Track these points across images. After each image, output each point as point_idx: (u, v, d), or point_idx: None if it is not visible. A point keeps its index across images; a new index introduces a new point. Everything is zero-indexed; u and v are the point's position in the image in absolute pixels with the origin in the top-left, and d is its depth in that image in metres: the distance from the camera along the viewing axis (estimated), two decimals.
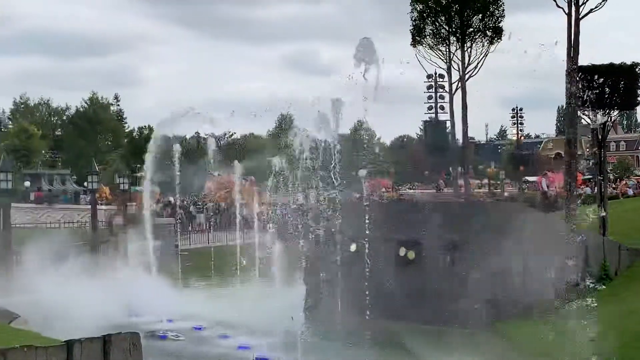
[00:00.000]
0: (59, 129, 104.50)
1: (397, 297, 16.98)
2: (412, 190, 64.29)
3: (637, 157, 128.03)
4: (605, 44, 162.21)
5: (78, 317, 16.33)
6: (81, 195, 57.74)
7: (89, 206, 32.22)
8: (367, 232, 16.73)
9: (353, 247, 18.62)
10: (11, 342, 6.98)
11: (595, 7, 21.82)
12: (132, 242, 28.70)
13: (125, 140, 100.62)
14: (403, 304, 17.25)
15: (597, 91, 22.46)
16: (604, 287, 18.11)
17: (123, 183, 29.51)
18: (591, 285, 17.89)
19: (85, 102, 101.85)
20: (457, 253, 17.69)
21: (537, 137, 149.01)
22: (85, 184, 60.13)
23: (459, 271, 17.56)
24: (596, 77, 22.32)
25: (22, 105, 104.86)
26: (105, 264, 23.80)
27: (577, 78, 21.86)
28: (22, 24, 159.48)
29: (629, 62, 22.83)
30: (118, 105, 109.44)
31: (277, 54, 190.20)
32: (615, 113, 23.37)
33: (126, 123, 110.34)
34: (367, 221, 16.62)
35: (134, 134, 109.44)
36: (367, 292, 15.84)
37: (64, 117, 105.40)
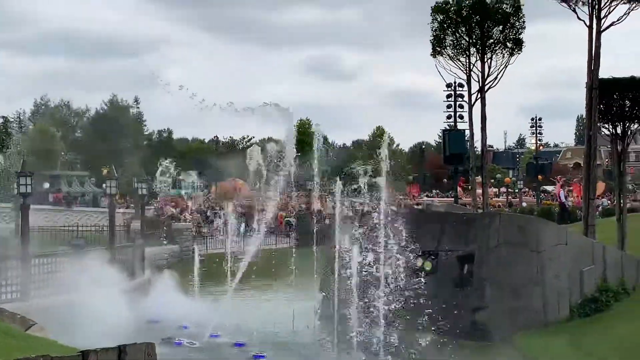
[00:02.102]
0: (79, 131, 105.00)
1: (413, 308, 16.89)
2: (429, 199, 64.22)
3: None
4: (628, 55, 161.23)
5: (94, 324, 16.39)
6: (100, 198, 57.97)
7: (107, 209, 32.35)
8: (384, 241, 16.72)
9: (370, 257, 18.59)
10: (27, 351, 7.00)
11: (617, 20, 21.69)
12: (149, 247, 28.82)
13: (145, 142, 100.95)
14: (420, 315, 17.19)
15: (618, 104, 22.35)
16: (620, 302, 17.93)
17: (141, 188, 29.56)
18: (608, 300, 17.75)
19: (105, 104, 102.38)
20: (475, 264, 17.60)
21: (556, 146, 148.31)
22: (104, 185, 60.54)
23: (477, 283, 17.49)
24: (616, 93, 22.19)
25: (43, 107, 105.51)
26: (121, 268, 23.86)
27: (597, 92, 21.72)
28: (44, 25, 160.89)
29: None
30: (138, 107, 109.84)
31: (299, 59, 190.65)
32: (635, 126, 23.23)
33: (145, 126, 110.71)
34: (384, 230, 16.61)
35: (154, 136, 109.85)
36: (382, 302, 15.80)
37: (84, 119, 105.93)
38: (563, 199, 44.82)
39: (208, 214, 47.83)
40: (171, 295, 23.23)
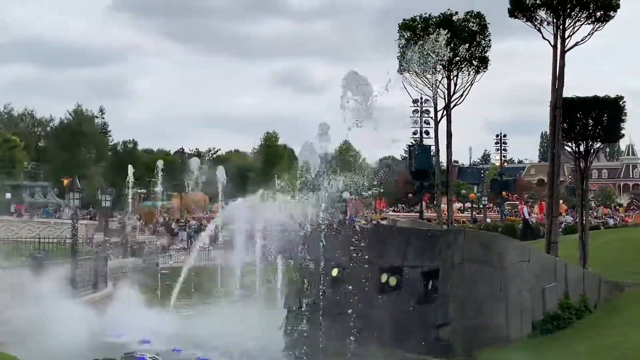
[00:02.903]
0: (42, 140, 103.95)
1: (378, 323, 16.90)
2: (395, 213, 64.51)
3: (619, 185, 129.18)
4: (592, 72, 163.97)
5: (56, 338, 16.17)
6: (63, 209, 57.35)
7: (69, 220, 31.97)
8: (349, 256, 16.73)
9: (335, 272, 18.57)
10: None
11: (581, 40, 21.98)
12: (112, 259, 28.54)
13: (109, 153, 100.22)
14: (384, 330, 17.19)
15: (581, 123, 22.61)
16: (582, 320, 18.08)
17: (105, 200, 29.30)
18: (570, 317, 17.89)
19: (70, 114, 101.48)
20: (439, 281, 17.65)
21: (520, 162, 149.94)
22: (66, 197, 59.85)
23: (441, 299, 17.53)
24: (580, 113, 22.47)
25: (6, 115, 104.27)
26: (83, 281, 23.59)
27: (561, 111, 21.98)
28: (9, 32, 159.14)
29: (612, 95, 23.04)
30: (103, 118, 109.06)
31: (269, 71, 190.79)
32: (598, 145, 23.52)
33: (110, 136, 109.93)
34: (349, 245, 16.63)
35: (118, 147, 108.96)
36: (347, 318, 15.81)
37: (48, 128, 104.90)
38: (527, 216, 45.29)
39: (173, 226, 47.48)
40: (133, 309, 23.02)
